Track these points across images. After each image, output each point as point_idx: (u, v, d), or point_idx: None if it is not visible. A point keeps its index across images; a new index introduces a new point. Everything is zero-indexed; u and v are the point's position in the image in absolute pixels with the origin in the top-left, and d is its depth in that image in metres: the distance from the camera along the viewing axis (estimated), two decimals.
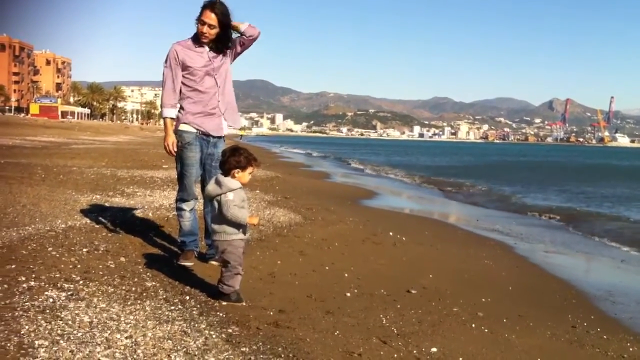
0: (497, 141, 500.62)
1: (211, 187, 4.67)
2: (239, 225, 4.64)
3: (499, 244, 9.82)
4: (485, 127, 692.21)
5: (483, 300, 5.97)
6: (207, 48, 5.55)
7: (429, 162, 54.14)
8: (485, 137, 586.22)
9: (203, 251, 5.96)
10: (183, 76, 5.54)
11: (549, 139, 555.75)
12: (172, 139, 5.57)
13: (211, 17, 5.37)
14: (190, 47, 5.54)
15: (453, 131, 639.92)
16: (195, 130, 5.60)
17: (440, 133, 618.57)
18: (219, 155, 5.14)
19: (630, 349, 4.88)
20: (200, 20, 5.41)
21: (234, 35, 5.60)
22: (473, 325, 4.94)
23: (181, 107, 5.62)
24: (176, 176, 5.93)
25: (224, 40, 5.56)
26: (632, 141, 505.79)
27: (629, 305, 6.49)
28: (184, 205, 5.74)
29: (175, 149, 5.57)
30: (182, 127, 5.60)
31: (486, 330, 4.86)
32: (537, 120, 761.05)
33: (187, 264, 5.55)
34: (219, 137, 5.75)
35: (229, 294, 4.64)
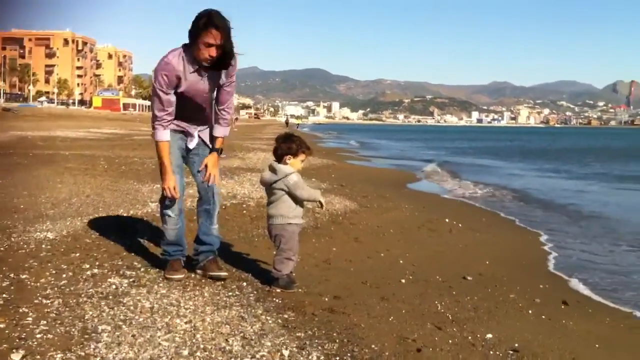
0: (558, 125, 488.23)
1: (267, 174, 4.74)
2: (297, 210, 4.72)
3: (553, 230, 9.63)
4: (547, 111, 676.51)
5: (541, 286, 5.88)
6: (206, 73, 4.64)
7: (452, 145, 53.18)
8: (546, 121, 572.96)
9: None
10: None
11: (613, 122, 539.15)
12: (173, 182, 4.67)
13: (218, 38, 4.40)
14: (186, 69, 4.57)
15: (513, 116, 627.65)
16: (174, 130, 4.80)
17: (500, 118, 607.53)
18: (205, 153, 4.88)
19: None
20: (204, 43, 4.40)
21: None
22: (530, 312, 4.89)
23: None
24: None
25: (226, 59, 4.57)
26: None
27: None
28: (170, 211, 4.82)
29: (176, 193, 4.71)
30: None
31: (543, 317, 4.80)
32: (601, 104, 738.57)
33: (177, 276, 4.75)
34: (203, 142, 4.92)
35: (277, 278, 4.71)
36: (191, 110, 4.80)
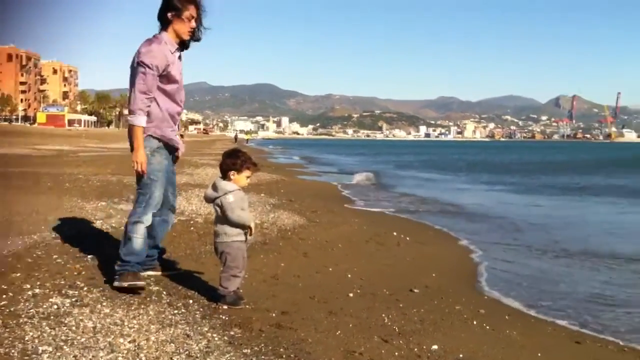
0: (503, 139, 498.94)
1: (209, 191, 4.71)
2: (241, 227, 4.68)
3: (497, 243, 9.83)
4: (492, 125, 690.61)
5: (485, 297, 6.01)
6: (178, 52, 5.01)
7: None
8: (491, 135, 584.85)
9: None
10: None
11: (556, 136, 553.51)
12: (144, 157, 4.82)
13: (195, 11, 4.92)
14: (171, 50, 4.91)
15: (459, 130, 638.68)
16: (159, 139, 4.97)
17: (447, 133, 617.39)
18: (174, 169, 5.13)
19: (632, 345, 4.91)
20: (187, 17, 4.87)
21: None
22: (475, 323, 4.98)
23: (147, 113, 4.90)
24: (137, 185, 5.07)
25: (197, 35, 5.05)
26: (639, 136, 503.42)
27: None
28: (146, 220, 4.94)
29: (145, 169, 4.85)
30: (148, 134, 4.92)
31: (487, 327, 4.89)
32: (544, 118, 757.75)
33: (140, 283, 4.78)
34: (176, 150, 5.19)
35: (224, 295, 4.67)
36: (176, 105, 5.04)
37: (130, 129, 4.85)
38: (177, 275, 5.38)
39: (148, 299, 4.67)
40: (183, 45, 5.03)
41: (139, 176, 4.93)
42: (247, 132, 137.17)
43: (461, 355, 4.07)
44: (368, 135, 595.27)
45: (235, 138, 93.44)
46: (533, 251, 9.08)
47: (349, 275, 6.24)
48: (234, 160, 4.69)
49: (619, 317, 5.73)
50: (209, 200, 4.73)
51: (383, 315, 4.88)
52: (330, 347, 3.99)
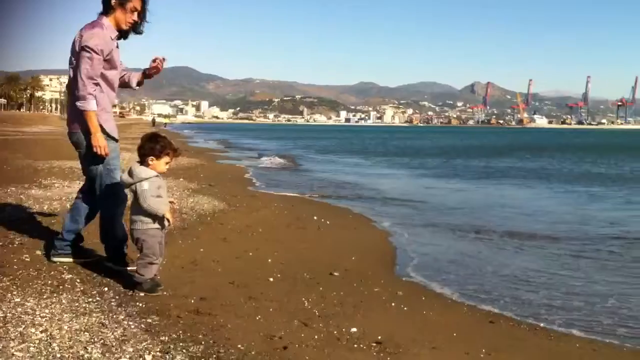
0: (421, 124, 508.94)
1: (125, 176, 4.57)
2: (153, 217, 4.56)
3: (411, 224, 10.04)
4: (410, 111, 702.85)
5: (403, 280, 6.12)
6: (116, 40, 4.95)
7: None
8: (410, 121, 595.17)
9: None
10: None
11: (471, 122, 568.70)
12: (103, 140, 4.81)
13: (139, 4, 4.92)
14: (112, 37, 4.86)
15: (379, 116, 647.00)
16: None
17: (367, 118, 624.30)
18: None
19: (541, 324, 5.12)
20: (131, 8, 4.85)
21: None
22: (393, 304, 5.07)
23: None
24: (101, 178, 4.93)
25: (138, 27, 5.03)
26: (550, 122, 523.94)
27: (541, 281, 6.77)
28: (120, 208, 5.05)
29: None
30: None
31: (405, 309, 4.99)
32: (460, 104, 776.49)
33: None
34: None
35: (141, 282, 4.56)
36: (113, 92, 5.03)
37: (83, 114, 4.75)
38: (92, 262, 5.21)
39: (61, 287, 4.51)
40: (121, 34, 4.98)
41: (97, 161, 4.87)
42: (165, 116, 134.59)
43: (379, 337, 4.14)
44: (289, 120, 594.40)
45: (153, 122, 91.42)
46: (451, 234, 9.31)
47: (270, 260, 6.23)
48: (152, 145, 4.56)
49: (533, 297, 5.94)
50: (125, 186, 4.61)
51: (303, 299, 4.91)
52: (250, 332, 3.97)
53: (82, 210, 5.12)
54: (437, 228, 9.79)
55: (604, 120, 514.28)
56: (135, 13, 4.89)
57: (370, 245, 7.79)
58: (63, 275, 4.79)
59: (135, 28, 5.00)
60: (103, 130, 4.83)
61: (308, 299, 4.91)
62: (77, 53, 4.73)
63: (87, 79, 4.69)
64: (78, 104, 4.73)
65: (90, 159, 4.89)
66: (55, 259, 5.12)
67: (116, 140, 5.03)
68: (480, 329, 4.79)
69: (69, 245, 5.18)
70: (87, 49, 4.66)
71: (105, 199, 4.96)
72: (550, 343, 4.62)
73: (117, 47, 4.95)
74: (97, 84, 4.77)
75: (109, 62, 4.84)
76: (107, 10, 4.88)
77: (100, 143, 4.77)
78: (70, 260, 5.17)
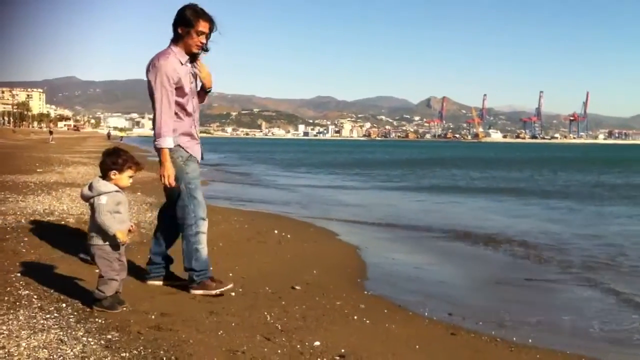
0: (379, 138, 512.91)
1: (85, 189, 4.49)
2: (103, 233, 4.45)
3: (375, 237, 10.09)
4: (368, 125, 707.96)
5: (366, 293, 6.14)
6: (190, 64, 5.09)
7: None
8: (368, 134, 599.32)
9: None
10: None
11: (428, 136, 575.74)
12: (172, 170, 4.94)
13: (206, 27, 4.97)
14: (181, 62, 4.98)
15: (337, 129, 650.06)
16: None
17: (325, 132, 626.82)
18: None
19: (502, 336, 5.19)
20: (197, 31, 4.92)
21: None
22: (355, 318, 5.08)
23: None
24: (183, 197, 5.08)
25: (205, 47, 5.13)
26: (505, 136, 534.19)
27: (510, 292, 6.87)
28: (203, 227, 5.15)
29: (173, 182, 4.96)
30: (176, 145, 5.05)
31: (368, 322, 5.00)
32: (417, 118, 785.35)
33: (229, 286, 5.29)
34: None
35: (100, 300, 4.47)
36: (195, 115, 5.19)
37: (161, 151, 4.96)
38: (49, 278, 5.10)
39: (17, 303, 4.40)
40: (192, 56, 5.10)
41: (171, 190, 5.09)
42: (121, 130, 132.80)
43: (343, 350, 4.14)
44: (247, 134, 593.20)
45: (109, 135, 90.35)
46: (413, 247, 9.39)
47: (231, 274, 6.17)
48: (114, 159, 4.49)
49: (494, 309, 6.02)
50: (84, 199, 4.52)
51: (265, 313, 4.88)
52: (212, 347, 3.93)
53: (164, 231, 5.31)
54: (398, 241, 9.86)
55: (557, 135, 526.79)
56: (204, 36, 4.98)
57: (332, 259, 7.80)
58: (19, 292, 4.68)
59: (203, 48, 5.09)
60: (185, 151, 5.07)
61: (270, 313, 4.89)
62: (152, 87, 4.92)
63: (166, 117, 4.92)
64: (155, 142, 4.96)
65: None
66: (149, 282, 5.33)
67: (198, 162, 5.23)
68: (442, 341, 4.83)
69: (159, 268, 5.35)
70: (157, 87, 4.89)
71: (187, 216, 5.11)
72: (511, 355, 4.68)
73: (192, 75, 5.11)
74: (173, 116, 4.97)
75: (180, 90, 4.98)
76: (176, 37, 5.00)
77: (166, 172, 4.92)
78: (161, 283, 5.35)
